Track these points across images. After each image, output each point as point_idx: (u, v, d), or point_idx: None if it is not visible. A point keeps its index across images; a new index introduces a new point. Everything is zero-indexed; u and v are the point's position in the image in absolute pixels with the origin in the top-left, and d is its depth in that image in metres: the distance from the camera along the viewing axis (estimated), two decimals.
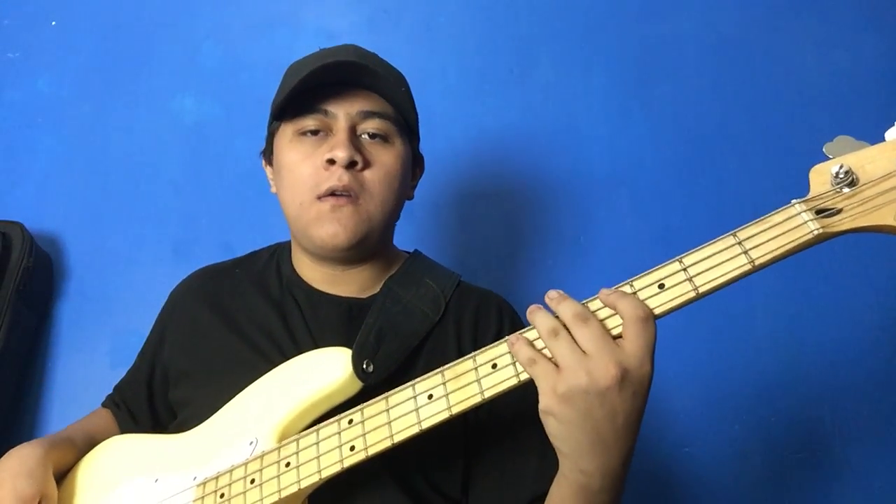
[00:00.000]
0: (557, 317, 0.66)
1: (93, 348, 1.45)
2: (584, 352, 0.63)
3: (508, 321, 0.97)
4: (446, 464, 0.86)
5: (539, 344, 0.67)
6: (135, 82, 1.61)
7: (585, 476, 0.66)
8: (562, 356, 0.63)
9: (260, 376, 0.85)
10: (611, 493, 0.68)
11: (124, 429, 1.00)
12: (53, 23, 1.65)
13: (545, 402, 0.63)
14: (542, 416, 0.65)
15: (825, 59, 1.55)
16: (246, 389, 0.85)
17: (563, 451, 0.66)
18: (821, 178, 0.66)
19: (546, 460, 0.84)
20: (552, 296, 0.67)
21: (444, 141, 1.52)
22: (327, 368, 0.81)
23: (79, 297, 1.49)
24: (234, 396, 0.86)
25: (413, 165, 1.01)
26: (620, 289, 0.67)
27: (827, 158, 0.66)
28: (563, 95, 1.57)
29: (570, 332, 0.64)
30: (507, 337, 0.69)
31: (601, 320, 0.65)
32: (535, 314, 0.67)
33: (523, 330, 0.69)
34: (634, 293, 0.66)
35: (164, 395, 1.01)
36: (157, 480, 0.83)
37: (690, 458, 1.38)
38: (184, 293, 1.05)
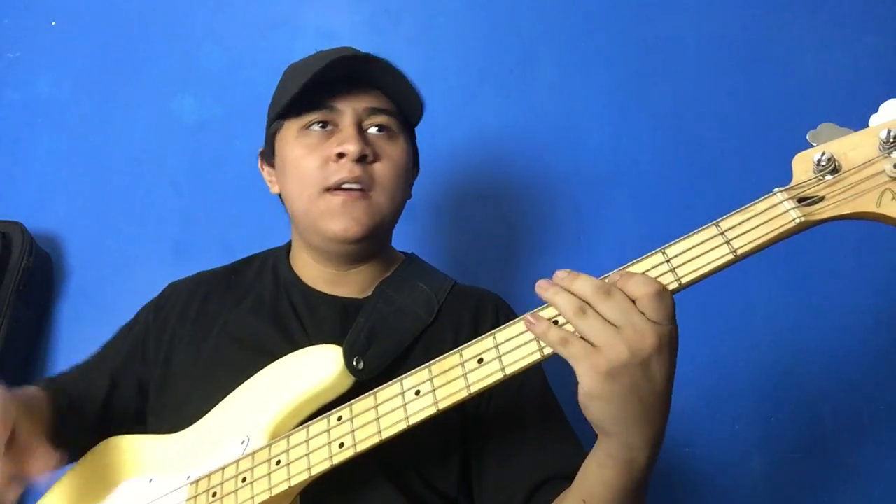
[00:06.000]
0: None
1: (93, 348, 1.44)
2: (614, 326, 0.60)
3: (504, 318, 0.96)
4: (441, 461, 0.86)
5: (560, 323, 0.64)
6: (135, 82, 1.61)
7: (633, 451, 0.64)
8: (595, 334, 0.60)
9: (251, 376, 0.85)
10: (652, 465, 0.66)
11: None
12: (53, 23, 1.65)
13: (589, 384, 0.60)
14: (584, 399, 0.61)
15: (825, 59, 1.55)
16: (238, 388, 0.85)
17: (609, 430, 0.63)
18: (803, 165, 0.65)
19: (556, 444, 0.85)
20: (561, 275, 0.64)
21: (444, 141, 1.51)
22: (318, 365, 0.81)
23: (79, 296, 1.49)
24: (226, 396, 0.86)
25: (412, 164, 1.02)
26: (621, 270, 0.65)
27: (811, 146, 0.66)
28: (563, 95, 1.57)
29: (594, 309, 0.61)
30: (522, 316, 0.66)
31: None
32: (553, 292, 0.63)
33: (537, 309, 0.66)
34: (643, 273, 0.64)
35: (123, 411, 0.95)
36: (151, 480, 0.83)
37: (690, 458, 1.37)
38: (176, 294, 1.03)
